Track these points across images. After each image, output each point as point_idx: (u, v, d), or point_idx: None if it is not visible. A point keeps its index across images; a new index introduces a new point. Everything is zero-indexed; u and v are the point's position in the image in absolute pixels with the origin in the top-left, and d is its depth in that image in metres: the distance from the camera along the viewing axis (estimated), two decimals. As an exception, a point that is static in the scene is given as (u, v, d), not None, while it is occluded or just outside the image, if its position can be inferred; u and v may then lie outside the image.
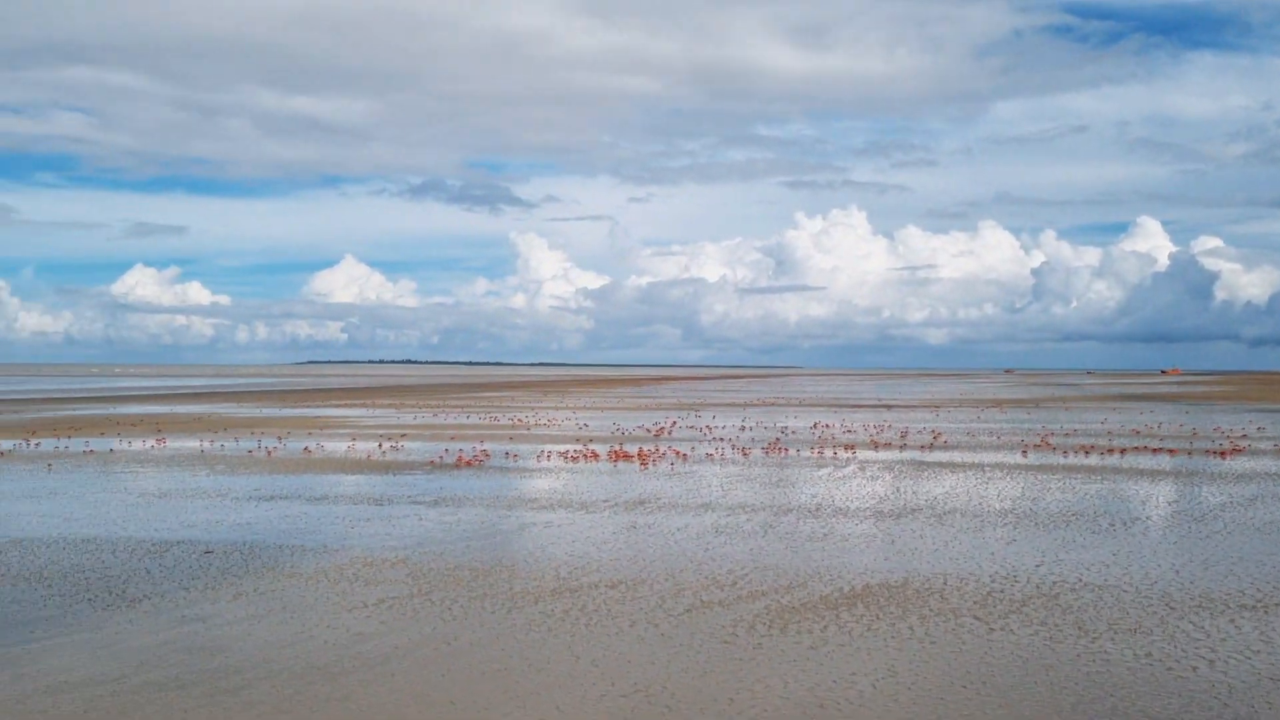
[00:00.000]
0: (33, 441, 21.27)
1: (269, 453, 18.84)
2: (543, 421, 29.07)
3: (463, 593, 7.66)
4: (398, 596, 7.54)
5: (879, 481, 14.63)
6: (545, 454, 18.69)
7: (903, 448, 20.24)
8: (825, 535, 10.14)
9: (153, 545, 9.57)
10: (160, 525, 10.73)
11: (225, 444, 20.76)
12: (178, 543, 9.70)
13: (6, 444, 20.63)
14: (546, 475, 15.46)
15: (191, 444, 20.82)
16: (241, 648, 6.21)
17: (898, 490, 13.62)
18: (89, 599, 7.46)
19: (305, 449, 19.75)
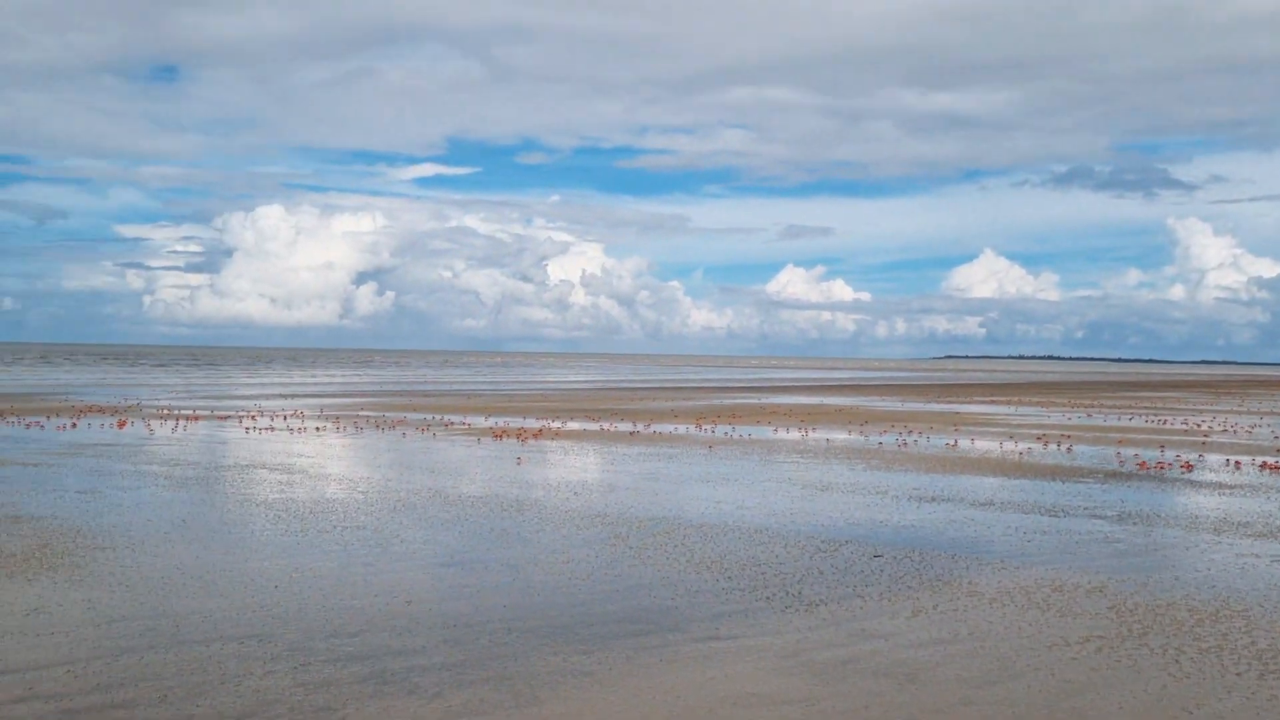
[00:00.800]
0: (703, 426, 22.94)
1: (913, 448, 18.29)
2: (1224, 427, 25.34)
3: (1187, 641, 6.22)
4: (1104, 636, 6.31)
5: None
6: (1246, 464, 15.92)
7: None
8: None
9: (821, 543, 9.27)
10: (825, 521, 10.49)
11: (871, 437, 20.64)
12: (845, 542, 9.31)
13: (680, 429, 22.45)
14: (1256, 493, 12.98)
15: (839, 436, 21.00)
16: (935, 679, 5.44)
17: None
18: (767, 597, 7.22)
19: (950, 444, 18.94)
